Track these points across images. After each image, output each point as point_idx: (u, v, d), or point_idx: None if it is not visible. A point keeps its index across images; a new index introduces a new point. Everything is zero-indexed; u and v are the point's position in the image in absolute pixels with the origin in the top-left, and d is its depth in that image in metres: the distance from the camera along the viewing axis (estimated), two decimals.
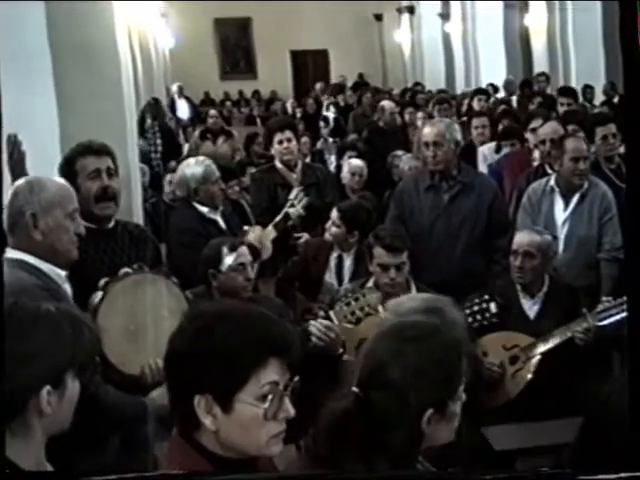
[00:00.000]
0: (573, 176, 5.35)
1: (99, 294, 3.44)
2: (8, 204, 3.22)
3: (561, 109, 8.18)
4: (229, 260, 4.44)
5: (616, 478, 2.00)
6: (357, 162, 7.61)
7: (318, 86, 20.00)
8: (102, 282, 3.49)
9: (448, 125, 5.65)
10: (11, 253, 3.22)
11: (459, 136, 5.61)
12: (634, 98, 2.09)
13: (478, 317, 4.19)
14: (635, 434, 2.03)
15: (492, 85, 15.26)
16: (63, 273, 3.28)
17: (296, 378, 2.02)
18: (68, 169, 3.85)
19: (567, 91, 8.99)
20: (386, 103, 10.77)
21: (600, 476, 2.04)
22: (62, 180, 3.49)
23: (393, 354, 2.20)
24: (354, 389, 2.20)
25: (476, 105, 10.29)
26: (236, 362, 1.94)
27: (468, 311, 4.18)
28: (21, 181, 3.32)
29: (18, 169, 3.78)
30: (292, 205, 5.70)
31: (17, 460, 2.00)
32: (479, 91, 11.53)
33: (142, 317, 3.43)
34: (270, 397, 1.95)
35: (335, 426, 2.20)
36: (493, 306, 4.22)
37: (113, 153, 4.05)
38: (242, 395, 1.94)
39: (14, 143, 3.80)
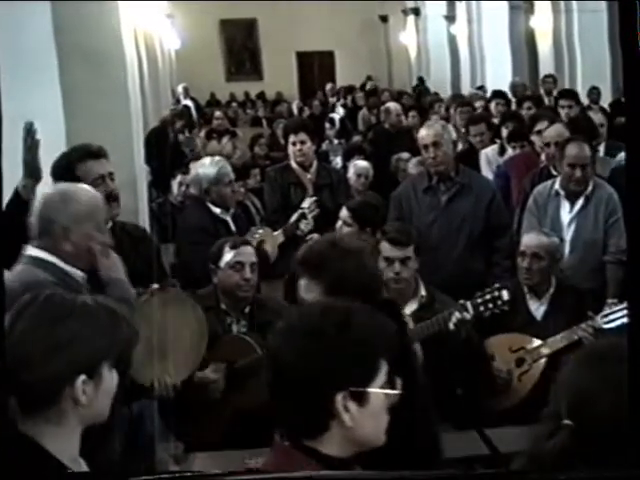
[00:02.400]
0: (570, 182, 5.34)
1: None
2: (38, 211, 3.24)
3: (562, 112, 8.15)
4: (227, 257, 4.46)
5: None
6: (363, 164, 7.61)
7: (328, 87, 20.06)
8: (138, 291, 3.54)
9: (444, 126, 5.77)
10: (33, 251, 3.24)
11: (454, 136, 5.66)
12: (634, 98, 2.08)
13: (490, 305, 4.18)
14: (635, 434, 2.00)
15: (481, 87, 15.32)
16: (83, 275, 3.29)
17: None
18: (69, 175, 3.83)
19: (568, 93, 8.96)
20: (391, 105, 10.77)
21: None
22: (92, 190, 3.48)
23: (601, 381, 2.02)
24: (567, 422, 2.04)
25: (493, 110, 10.23)
26: (372, 351, 1.97)
27: (480, 300, 4.18)
28: (53, 190, 3.32)
29: (31, 156, 3.77)
30: (303, 215, 5.71)
31: (51, 448, 2.01)
32: (497, 94, 11.43)
33: (164, 333, 3.47)
34: (398, 380, 2.01)
35: (549, 462, 2.11)
36: (505, 294, 4.22)
37: (107, 155, 4.06)
38: (374, 385, 1.96)
39: (29, 130, 3.80)
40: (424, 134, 5.59)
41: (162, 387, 3.43)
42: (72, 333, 2.01)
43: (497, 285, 4.29)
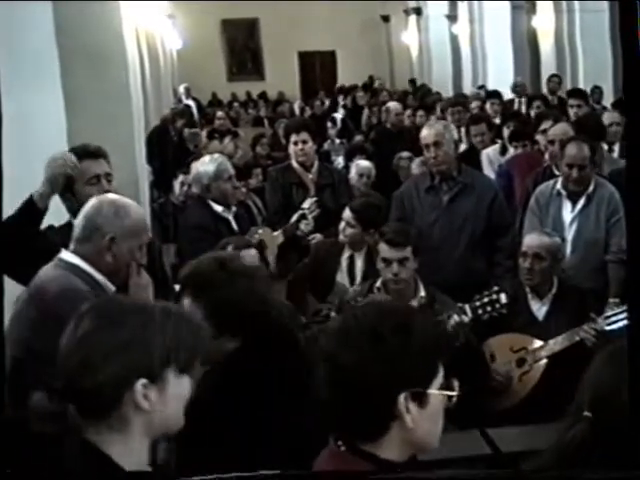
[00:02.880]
0: (568, 182, 5.34)
1: None
2: (87, 217, 3.23)
3: (571, 111, 8.16)
4: None
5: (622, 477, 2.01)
6: (365, 164, 7.62)
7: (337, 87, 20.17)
8: None
9: (446, 126, 5.77)
10: (70, 257, 3.23)
11: (455, 136, 5.67)
12: (634, 98, 2.09)
13: (488, 308, 4.18)
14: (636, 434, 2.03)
15: (482, 87, 15.31)
16: (113, 288, 3.29)
17: None
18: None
19: (577, 93, 8.95)
20: (391, 105, 10.77)
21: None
22: (141, 209, 3.50)
23: (621, 377, 2.12)
24: (587, 414, 2.14)
25: (489, 109, 10.24)
26: (430, 353, 1.98)
27: (478, 303, 4.17)
28: (106, 199, 3.32)
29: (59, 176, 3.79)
30: (304, 216, 5.71)
31: (115, 456, 1.95)
32: (492, 94, 11.44)
33: None
34: (455, 382, 2.01)
35: (569, 453, 2.17)
36: (503, 297, 4.21)
37: (107, 155, 4.05)
38: (433, 386, 1.98)
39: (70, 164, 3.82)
40: (425, 134, 5.59)
41: None
42: (130, 335, 1.94)
43: (496, 288, 4.28)
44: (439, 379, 1.98)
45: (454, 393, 1.99)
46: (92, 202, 3.28)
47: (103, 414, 1.94)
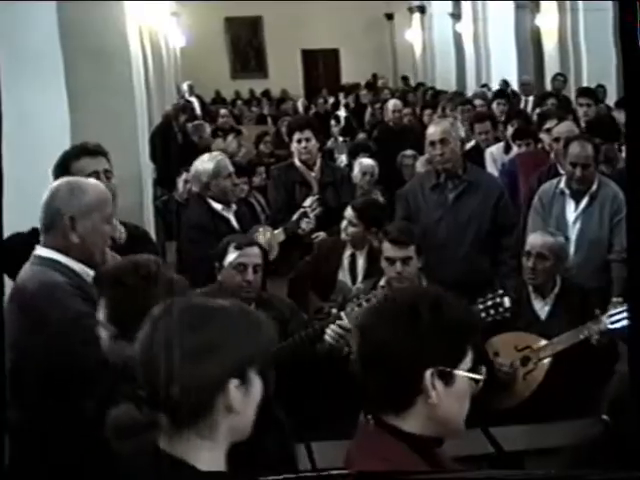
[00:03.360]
0: (571, 180, 5.33)
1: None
2: (46, 204, 3.22)
3: (580, 110, 8.14)
4: (231, 257, 4.45)
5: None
6: (368, 162, 7.60)
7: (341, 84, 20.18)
8: None
9: (452, 123, 5.74)
10: (43, 251, 3.22)
11: (463, 134, 5.65)
12: (634, 98, 2.09)
13: (492, 312, 4.18)
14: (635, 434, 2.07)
15: (505, 82, 15.28)
16: (92, 273, 3.28)
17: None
18: (63, 172, 3.79)
19: (587, 92, 8.91)
20: (389, 102, 10.73)
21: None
22: (100, 184, 3.46)
23: None
24: (604, 417, 2.27)
25: (496, 110, 10.22)
26: (460, 335, 2.07)
27: (482, 306, 4.17)
28: (60, 182, 3.30)
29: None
30: (305, 214, 5.70)
31: (201, 465, 1.89)
32: (499, 94, 11.40)
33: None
34: (483, 369, 2.09)
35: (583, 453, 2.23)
36: (507, 301, 4.21)
37: (107, 153, 4.05)
38: (462, 366, 2.06)
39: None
40: (432, 131, 5.57)
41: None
42: (218, 337, 1.89)
43: (500, 292, 4.28)
44: (467, 362, 2.07)
45: (479, 377, 2.07)
46: (48, 189, 3.26)
47: (194, 421, 1.89)
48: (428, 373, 2.02)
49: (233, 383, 1.88)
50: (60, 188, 3.24)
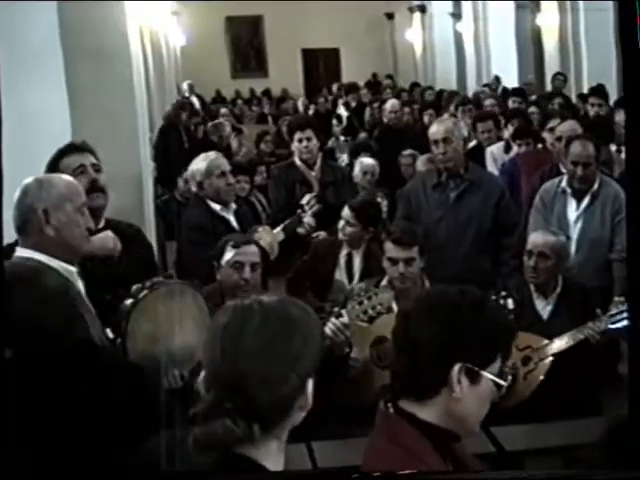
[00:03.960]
0: (573, 180, 5.33)
1: (130, 300, 3.49)
2: (17, 203, 3.22)
3: (592, 110, 8.12)
4: (228, 256, 4.46)
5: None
6: (369, 161, 7.59)
7: (334, 88, 20.14)
8: (134, 288, 3.54)
9: (455, 122, 5.74)
10: (21, 252, 3.22)
11: (465, 133, 5.64)
12: (634, 98, 2.09)
13: None
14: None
15: (497, 78, 15.30)
16: (74, 269, 3.28)
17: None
18: (53, 171, 3.82)
19: (598, 92, 8.88)
20: (388, 103, 10.72)
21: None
22: (69, 176, 3.49)
23: None
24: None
25: (511, 106, 10.17)
26: (494, 339, 2.14)
27: None
28: (29, 180, 3.31)
29: None
30: (303, 211, 5.69)
31: (270, 465, 1.97)
32: (515, 92, 11.35)
33: (167, 326, 3.47)
34: (510, 376, 2.17)
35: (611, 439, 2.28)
36: (510, 302, 4.22)
37: (94, 150, 4.07)
38: (490, 369, 2.13)
39: None
40: (435, 130, 5.57)
41: (170, 379, 3.44)
42: (303, 344, 1.95)
43: (503, 293, 4.28)
44: (495, 366, 2.14)
45: (503, 383, 2.13)
46: (17, 190, 3.24)
47: (277, 424, 1.96)
48: (456, 367, 2.09)
49: (310, 383, 2.00)
50: (29, 185, 3.24)
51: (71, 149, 4.01)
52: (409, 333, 2.15)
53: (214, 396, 1.90)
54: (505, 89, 13.78)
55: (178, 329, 3.49)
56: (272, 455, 1.97)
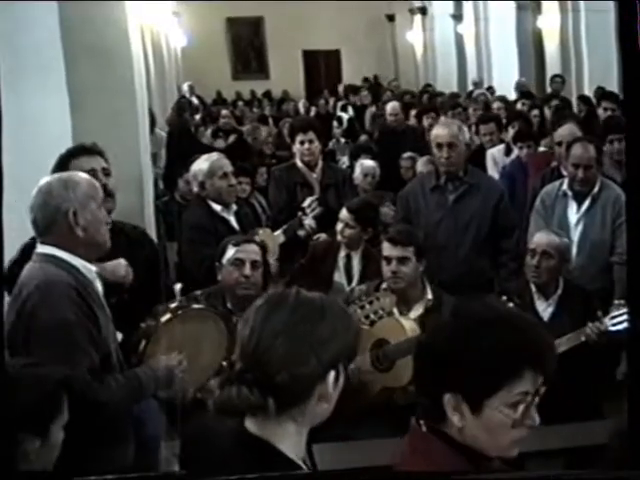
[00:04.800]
0: (574, 182, 5.33)
1: (152, 321, 3.56)
2: (42, 204, 3.19)
3: (604, 114, 8.11)
4: (229, 254, 4.48)
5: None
6: (370, 163, 7.59)
7: (341, 88, 20.15)
8: (160, 309, 3.63)
9: (460, 126, 5.69)
10: (43, 249, 3.21)
11: (468, 138, 5.63)
12: (634, 98, 2.08)
13: None
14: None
15: (490, 88, 15.32)
16: (94, 268, 3.29)
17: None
18: (62, 171, 3.74)
19: (610, 96, 8.85)
20: (388, 106, 10.72)
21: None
22: (83, 173, 3.46)
23: None
24: None
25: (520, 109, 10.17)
26: (493, 370, 1.99)
27: None
28: (49, 179, 3.29)
29: None
30: (304, 214, 5.69)
31: (285, 448, 2.02)
32: (524, 95, 11.35)
33: (187, 349, 3.53)
34: (521, 407, 2.01)
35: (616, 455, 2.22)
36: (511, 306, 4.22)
37: (103, 153, 4.07)
38: (493, 401, 2.00)
39: None
40: (440, 133, 5.53)
41: (182, 399, 3.50)
42: (330, 331, 2.01)
43: (504, 298, 4.28)
44: (505, 396, 1.99)
45: (513, 415, 2.00)
46: (36, 191, 3.23)
47: (292, 406, 2.01)
48: (446, 397, 2.01)
49: (332, 374, 2.02)
50: (53, 185, 3.23)
51: (81, 151, 4.00)
52: (423, 352, 2.12)
53: (239, 368, 2.00)
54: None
55: (195, 354, 3.56)
56: (288, 439, 2.03)
